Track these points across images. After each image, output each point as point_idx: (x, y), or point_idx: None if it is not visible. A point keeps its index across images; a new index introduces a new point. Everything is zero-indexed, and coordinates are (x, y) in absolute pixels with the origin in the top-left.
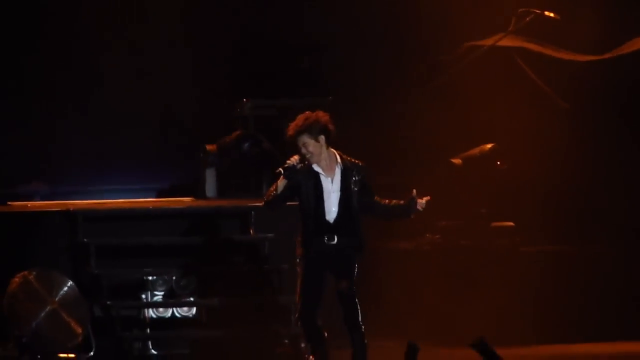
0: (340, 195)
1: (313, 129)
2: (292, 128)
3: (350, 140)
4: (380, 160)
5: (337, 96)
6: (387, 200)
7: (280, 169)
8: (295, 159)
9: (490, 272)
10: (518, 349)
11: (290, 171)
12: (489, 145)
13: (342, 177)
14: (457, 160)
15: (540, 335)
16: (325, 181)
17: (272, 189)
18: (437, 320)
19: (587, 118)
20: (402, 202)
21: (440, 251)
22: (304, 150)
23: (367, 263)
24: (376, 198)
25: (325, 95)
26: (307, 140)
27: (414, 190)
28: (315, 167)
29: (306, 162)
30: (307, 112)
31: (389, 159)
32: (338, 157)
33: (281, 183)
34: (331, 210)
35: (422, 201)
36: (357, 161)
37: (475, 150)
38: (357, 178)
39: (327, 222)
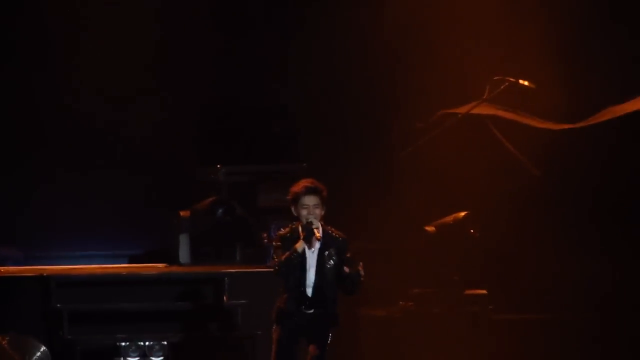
0: (316, 269)
1: (323, 194)
2: (303, 185)
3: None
4: (353, 227)
5: (310, 162)
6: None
7: (316, 227)
8: (316, 221)
9: (463, 340)
10: None
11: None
12: (463, 213)
13: (319, 251)
14: (430, 228)
15: None
16: (309, 254)
17: (288, 253)
18: None
19: (559, 186)
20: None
21: (413, 318)
22: (307, 212)
23: (340, 330)
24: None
25: (298, 160)
26: (318, 203)
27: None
28: (302, 236)
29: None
30: (308, 178)
31: (362, 226)
32: (321, 229)
33: (300, 247)
34: (311, 283)
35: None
36: (338, 234)
37: (449, 218)
38: (334, 252)
39: (306, 294)
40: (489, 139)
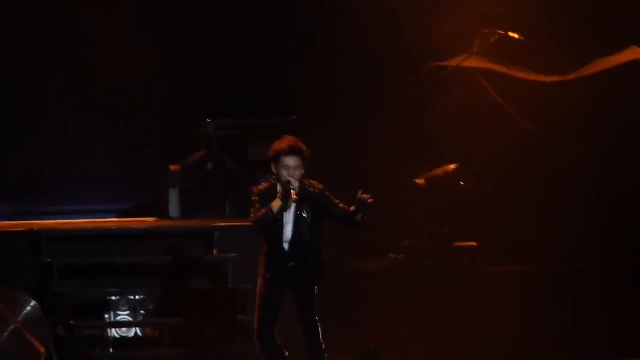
0: (294, 225)
1: (305, 155)
2: (286, 145)
3: (312, 158)
4: (342, 180)
5: (300, 115)
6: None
7: (293, 189)
8: (295, 183)
9: (453, 292)
10: None
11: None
12: (453, 166)
13: (296, 208)
14: (420, 181)
15: (501, 356)
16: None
17: (264, 210)
18: (399, 339)
19: (549, 138)
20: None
21: (403, 271)
22: (288, 173)
23: (330, 283)
24: (343, 211)
25: (289, 114)
26: (300, 164)
27: (360, 191)
28: (279, 195)
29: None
30: (291, 137)
31: (351, 178)
32: (298, 188)
33: (276, 207)
34: (287, 238)
35: (366, 196)
36: (316, 187)
37: (439, 171)
38: (309, 207)
39: (284, 249)
40: (479, 91)
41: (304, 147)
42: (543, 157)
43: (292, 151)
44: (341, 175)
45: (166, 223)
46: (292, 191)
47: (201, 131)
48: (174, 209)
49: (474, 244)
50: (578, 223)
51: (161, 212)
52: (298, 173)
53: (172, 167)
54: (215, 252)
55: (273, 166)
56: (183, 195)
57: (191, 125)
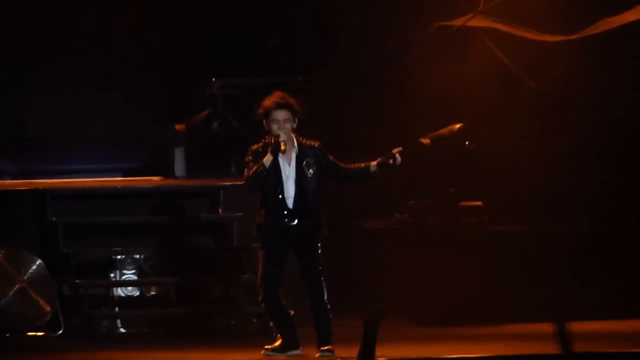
0: (296, 180)
1: (294, 108)
2: (273, 100)
3: (317, 118)
4: (347, 139)
5: (305, 75)
6: (355, 165)
7: (282, 141)
8: (283, 135)
9: (458, 251)
10: (483, 328)
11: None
12: (458, 125)
13: (297, 161)
14: (425, 140)
15: (505, 314)
16: (284, 165)
17: (256, 167)
18: (404, 298)
19: (554, 98)
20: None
21: (409, 230)
22: (278, 127)
23: (336, 242)
24: (343, 166)
25: (293, 74)
26: (289, 117)
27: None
28: (270, 149)
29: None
30: (281, 92)
31: (357, 139)
32: (295, 141)
33: (267, 161)
34: (289, 194)
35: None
36: (312, 143)
37: (444, 130)
38: (312, 161)
39: (286, 205)
40: (484, 51)
41: (292, 100)
42: (548, 116)
43: (280, 105)
44: (346, 135)
45: (171, 182)
46: (280, 143)
47: (207, 90)
48: (179, 168)
49: (479, 203)
50: (583, 184)
51: (166, 171)
52: (288, 126)
53: (178, 126)
54: (220, 211)
55: (265, 123)
56: (188, 154)
57: (197, 84)
